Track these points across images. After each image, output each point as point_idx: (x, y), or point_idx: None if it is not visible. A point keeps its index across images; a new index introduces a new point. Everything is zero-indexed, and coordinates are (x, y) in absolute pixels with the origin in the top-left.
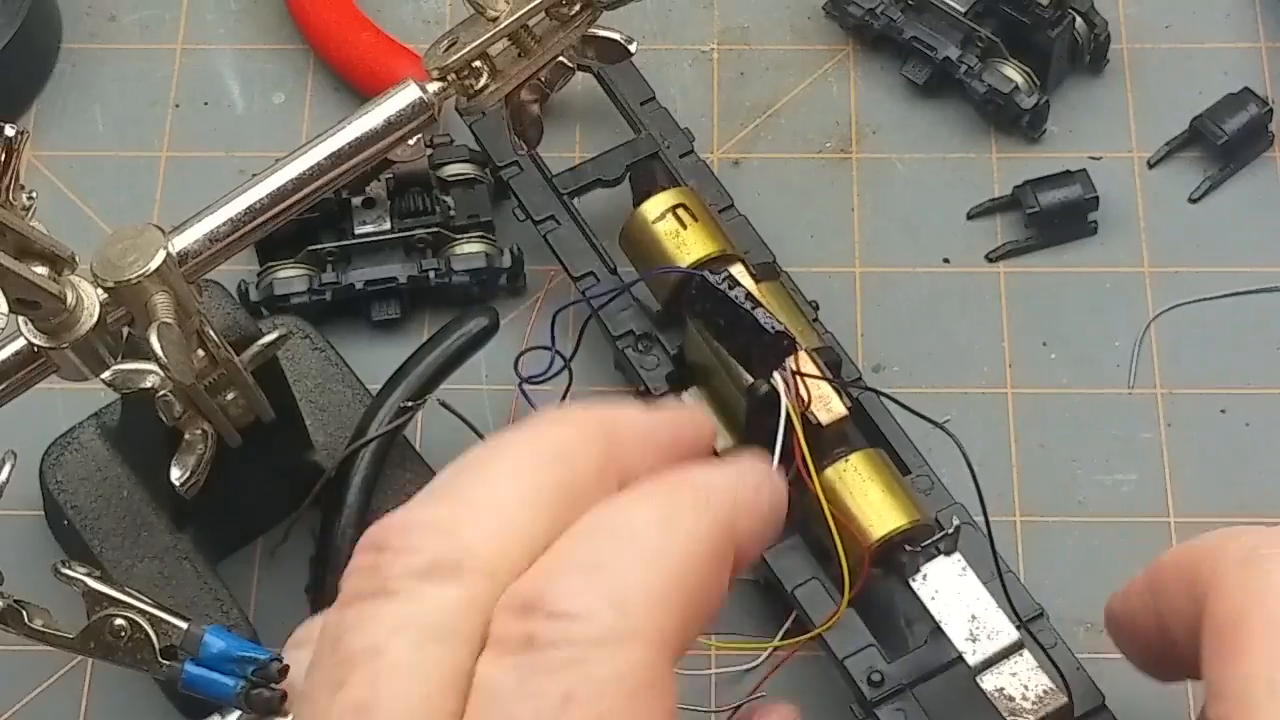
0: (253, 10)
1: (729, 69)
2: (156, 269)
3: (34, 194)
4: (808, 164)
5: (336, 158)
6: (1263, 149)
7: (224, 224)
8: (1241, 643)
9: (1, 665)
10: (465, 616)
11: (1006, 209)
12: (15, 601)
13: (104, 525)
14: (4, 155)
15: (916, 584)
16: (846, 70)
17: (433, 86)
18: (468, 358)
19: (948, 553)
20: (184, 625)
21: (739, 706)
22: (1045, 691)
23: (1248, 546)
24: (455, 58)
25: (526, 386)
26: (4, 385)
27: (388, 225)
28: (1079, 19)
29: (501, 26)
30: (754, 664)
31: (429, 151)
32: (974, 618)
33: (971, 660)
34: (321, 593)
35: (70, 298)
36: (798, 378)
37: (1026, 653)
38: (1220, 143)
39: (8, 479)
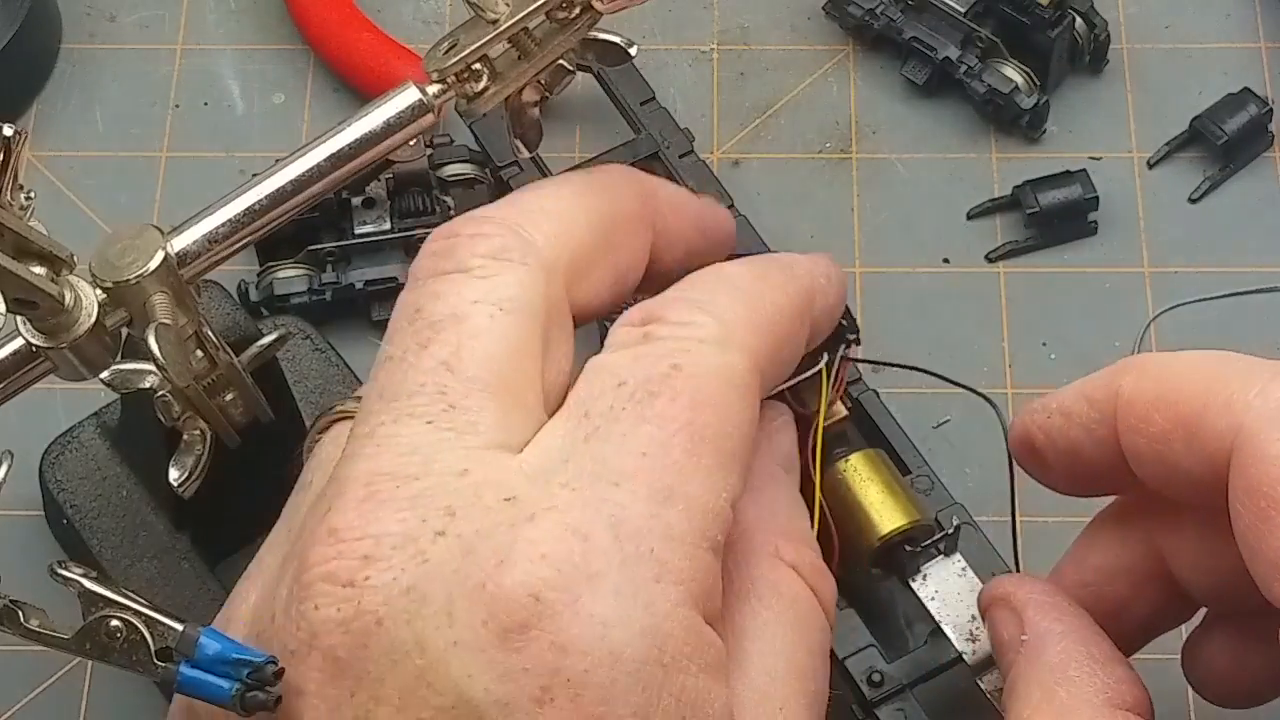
0: (253, 10)
1: (729, 69)
2: (155, 269)
3: (33, 194)
4: (808, 164)
5: (336, 159)
6: (1263, 149)
7: (223, 224)
8: None
9: (2, 665)
10: (534, 294)
11: (1006, 209)
12: (11, 601)
13: (103, 525)
14: (3, 155)
15: (916, 584)
16: (846, 70)
17: (432, 89)
18: None
19: (948, 553)
20: (179, 627)
21: None
22: None
23: (1275, 400)
24: (455, 60)
25: None
26: (2, 385)
27: (388, 225)
28: (1079, 19)
29: (502, 29)
30: None
31: (429, 152)
32: (974, 618)
33: (971, 660)
34: None
35: (68, 298)
36: (843, 363)
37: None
38: (1220, 143)
39: (5, 478)
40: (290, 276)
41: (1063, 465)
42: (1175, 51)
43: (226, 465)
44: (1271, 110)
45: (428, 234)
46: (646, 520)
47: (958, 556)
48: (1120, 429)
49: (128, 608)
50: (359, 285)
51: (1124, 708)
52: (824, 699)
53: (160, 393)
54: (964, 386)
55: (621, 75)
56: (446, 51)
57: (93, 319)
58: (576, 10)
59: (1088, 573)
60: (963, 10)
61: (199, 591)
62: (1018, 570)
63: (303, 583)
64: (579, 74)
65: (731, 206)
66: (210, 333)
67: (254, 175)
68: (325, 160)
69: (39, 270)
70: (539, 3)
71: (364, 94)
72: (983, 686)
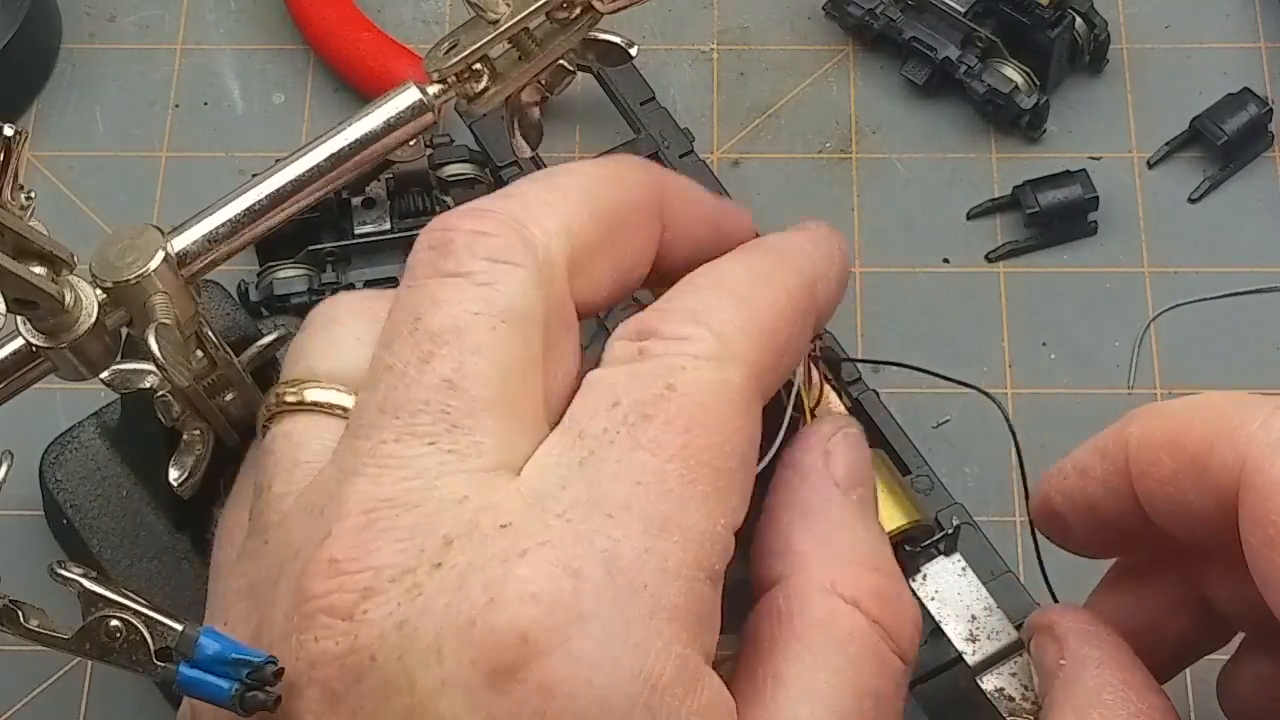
0: (253, 10)
1: (729, 69)
2: (155, 270)
3: (33, 194)
4: (807, 164)
5: (336, 159)
6: (1263, 149)
7: (223, 224)
8: None
9: (2, 665)
10: (536, 300)
11: (1006, 209)
12: (11, 601)
13: (103, 525)
14: (3, 155)
15: (916, 584)
16: (846, 70)
17: (433, 89)
18: None
19: (948, 553)
20: (179, 627)
21: None
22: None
23: (1278, 431)
24: (455, 60)
25: None
26: (2, 385)
27: (388, 225)
28: (1079, 19)
29: (502, 29)
30: None
31: (429, 152)
32: (974, 618)
33: (971, 660)
34: None
35: (68, 298)
36: (812, 361)
37: (1026, 653)
38: (1220, 143)
39: (5, 478)
40: (290, 276)
41: (1084, 525)
42: (1175, 51)
43: (225, 465)
44: (1271, 110)
45: None
46: (640, 555)
47: (958, 556)
48: (1133, 476)
49: (127, 608)
50: (359, 285)
51: None
52: None
53: (160, 393)
54: (964, 384)
55: (621, 75)
56: (447, 51)
57: (93, 319)
58: (577, 10)
59: (1124, 601)
60: (963, 10)
61: (199, 591)
62: (1054, 598)
63: (303, 613)
64: (579, 74)
65: None
66: (210, 333)
67: (254, 175)
68: (325, 160)
69: (39, 270)
70: (539, 3)
71: (364, 94)
72: (983, 686)
